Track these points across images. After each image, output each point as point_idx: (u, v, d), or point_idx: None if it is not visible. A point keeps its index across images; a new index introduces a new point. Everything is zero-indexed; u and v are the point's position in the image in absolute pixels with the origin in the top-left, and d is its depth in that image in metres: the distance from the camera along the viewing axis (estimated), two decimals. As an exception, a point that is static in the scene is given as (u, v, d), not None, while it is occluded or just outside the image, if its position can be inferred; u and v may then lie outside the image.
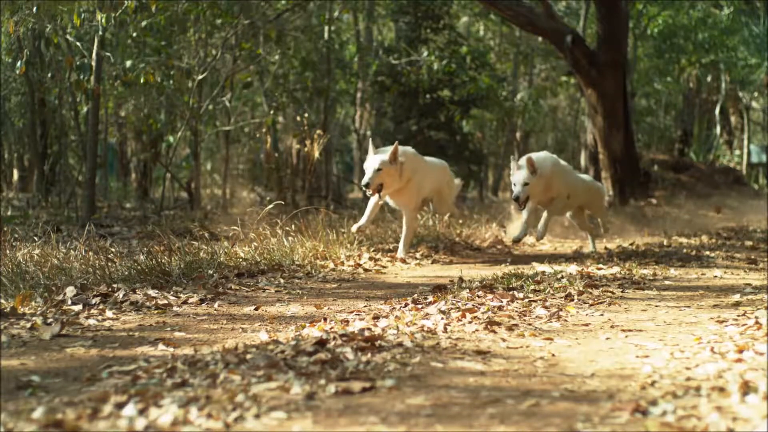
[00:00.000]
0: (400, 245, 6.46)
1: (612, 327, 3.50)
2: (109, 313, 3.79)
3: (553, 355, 2.91)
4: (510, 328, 3.37)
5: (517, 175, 6.51)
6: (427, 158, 6.99)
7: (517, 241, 6.95)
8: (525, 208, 6.64)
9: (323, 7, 12.86)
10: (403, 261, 6.25)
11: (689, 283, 5.06)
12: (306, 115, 11.36)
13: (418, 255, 6.55)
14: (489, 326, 3.36)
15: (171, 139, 11.39)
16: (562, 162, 7.06)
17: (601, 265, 5.73)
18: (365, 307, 4.10)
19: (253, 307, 4.10)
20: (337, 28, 15.16)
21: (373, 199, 6.42)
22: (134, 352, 3.03)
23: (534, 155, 6.69)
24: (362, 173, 6.61)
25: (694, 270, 5.67)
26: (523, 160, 6.57)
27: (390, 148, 6.24)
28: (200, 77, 10.06)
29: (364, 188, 6.18)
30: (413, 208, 6.55)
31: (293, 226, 6.34)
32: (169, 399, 2.25)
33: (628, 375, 2.59)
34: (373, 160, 6.15)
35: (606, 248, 7.21)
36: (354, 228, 6.38)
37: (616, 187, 11.84)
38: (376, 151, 6.28)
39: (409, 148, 6.58)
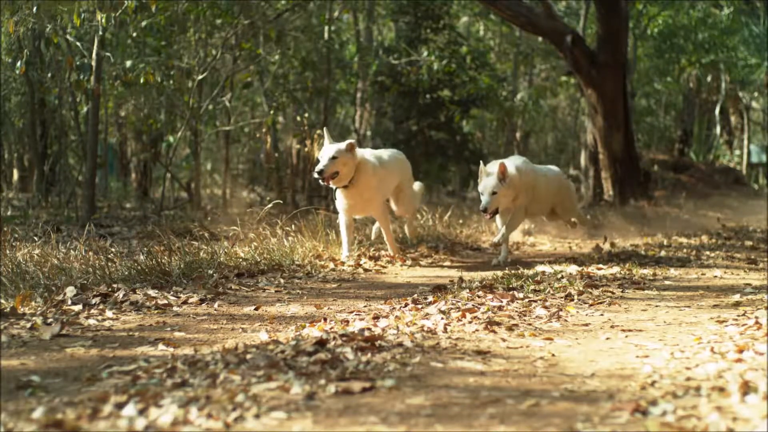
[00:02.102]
0: (388, 246, 6.36)
1: (612, 327, 3.50)
2: (109, 313, 3.79)
3: (553, 355, 2.91)
4: (510, 328, 3.37)
5: (485, 182, 5.99)
6: (382, 152, 6.54)
7: (498, 265, 6.13)
8: (498, 220, 6.24)
9: (323, 7, 12.86)
10: (403, 260, 6.22)
11: (689, 283, 5.06)
12: (306, 115, 11.36)
13: (418, 255, 6.54)
14: (489, 326, 3.36)
15: (171, 139, 11.38)
16: (530, 165, 6.52)
17: (601, 265, 5.72)
18: (365, 307, 4.10)
19: (253, 307, 4.10)
20: (337, 28, 15.16)
21: (343, 228, 6.12)
22: (134, 352, 3.03)
23: (506, 161, 6.21)
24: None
25: (694, 270, 5.66)
26: (492, 167, 6.08)
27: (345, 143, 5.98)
28: (200, 77, 10.06)
29: (317, 175, 5.81)
30: (381, 211, 6.25)
31: (293, 226, 6.34)
32: (169, 399, 2.25)
33: (628, 375, 2.59)
34: (329, 148, 5.87)
35: (598, 245, 7.18)
36: (344, 258, 5.98)
37: (616, 187, 11.84)
38: (332, 142, 5.98)
39: (367, 154, 6.15)
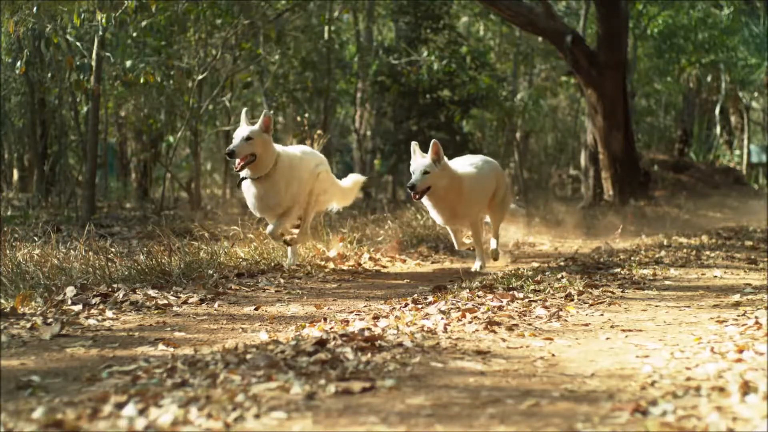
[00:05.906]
0: (298, 232, 5.73)
1: (612, 327, 3.50)
2: (109, 313, 3.79)
3: (553, 355, 2.91)
4: (510, 328, 3.37)
5: (418, 161, 5.50)
6: (293, 148, 5.85)
7: (477, 272, 5.70)
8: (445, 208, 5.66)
9: (323, 7, 12.87)
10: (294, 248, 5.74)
11: (689, 283, 5.05)
12: (306, 115, 11.37)
13: (421, 256, 6.54)
14: (489, 326, 3.36)
15: (171, 139, 11.39)
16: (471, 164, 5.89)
17: (600, 265, 5.72)
18: (365, 307, 4.10)
19: (253, 307, 4.10)
20: (337, 28, 15.17)
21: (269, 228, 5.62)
22: (134, 352, 3.03)
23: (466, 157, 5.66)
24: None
25: (694, 270, 5.65)
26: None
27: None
28: (200, 77, 10.06)
29: (227, 156, 5.34)
30: (293, 210, 5.59)
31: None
32: (169, 399, 2.25)
33: (628, 375, 2.59)
34: (243, 128, 5.29)
35: (606, 242, 7.17)
36: (268, 231, 5.58)
37: (616, 187, 11.85)
38: (249, 122, 5.39)
39: (279, 148, 5.53)
